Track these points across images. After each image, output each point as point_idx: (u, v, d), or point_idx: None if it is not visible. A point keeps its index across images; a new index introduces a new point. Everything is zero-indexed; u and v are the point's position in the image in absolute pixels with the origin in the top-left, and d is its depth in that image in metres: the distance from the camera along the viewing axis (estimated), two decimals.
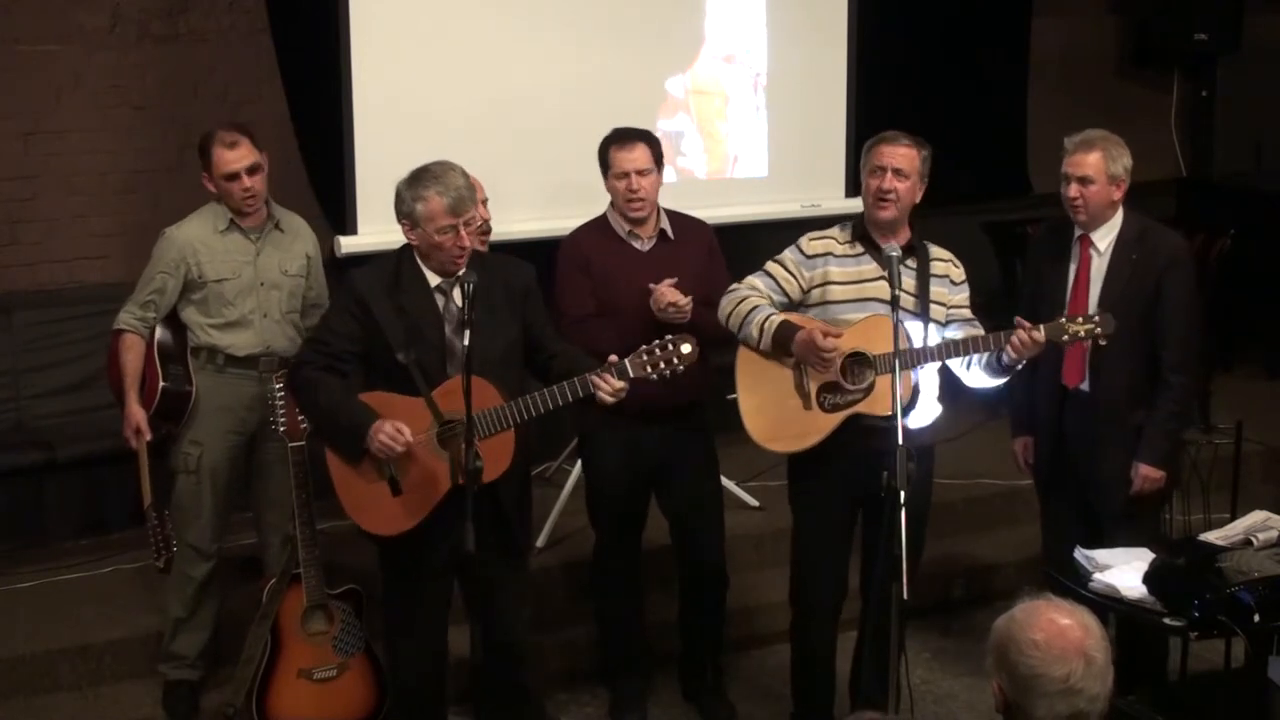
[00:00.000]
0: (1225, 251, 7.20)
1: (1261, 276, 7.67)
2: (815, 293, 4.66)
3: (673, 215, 5.08)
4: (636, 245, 4.99)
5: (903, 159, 4.60)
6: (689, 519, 5.10)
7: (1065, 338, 4.52)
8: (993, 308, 4.92)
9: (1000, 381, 4.65)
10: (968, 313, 4.72)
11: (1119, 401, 4.89)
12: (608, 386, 4.21)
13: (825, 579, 4.79)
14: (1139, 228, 4.93)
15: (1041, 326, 4.49)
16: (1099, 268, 4.91)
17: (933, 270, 4.66)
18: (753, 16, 6.89)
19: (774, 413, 4.62)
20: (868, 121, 7.03)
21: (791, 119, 6.96)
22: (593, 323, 4.91)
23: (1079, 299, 4.91)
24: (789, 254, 4.70)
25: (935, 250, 4.73)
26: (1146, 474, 4.87)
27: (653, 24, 6.68)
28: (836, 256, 4.66)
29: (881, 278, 4.56)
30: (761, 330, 4.57)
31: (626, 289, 4.88)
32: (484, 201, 4.99)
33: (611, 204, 5.03)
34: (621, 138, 4.99)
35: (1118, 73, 8.90)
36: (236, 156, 4.91)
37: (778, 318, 4.57)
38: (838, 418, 4.56)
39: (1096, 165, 4.82)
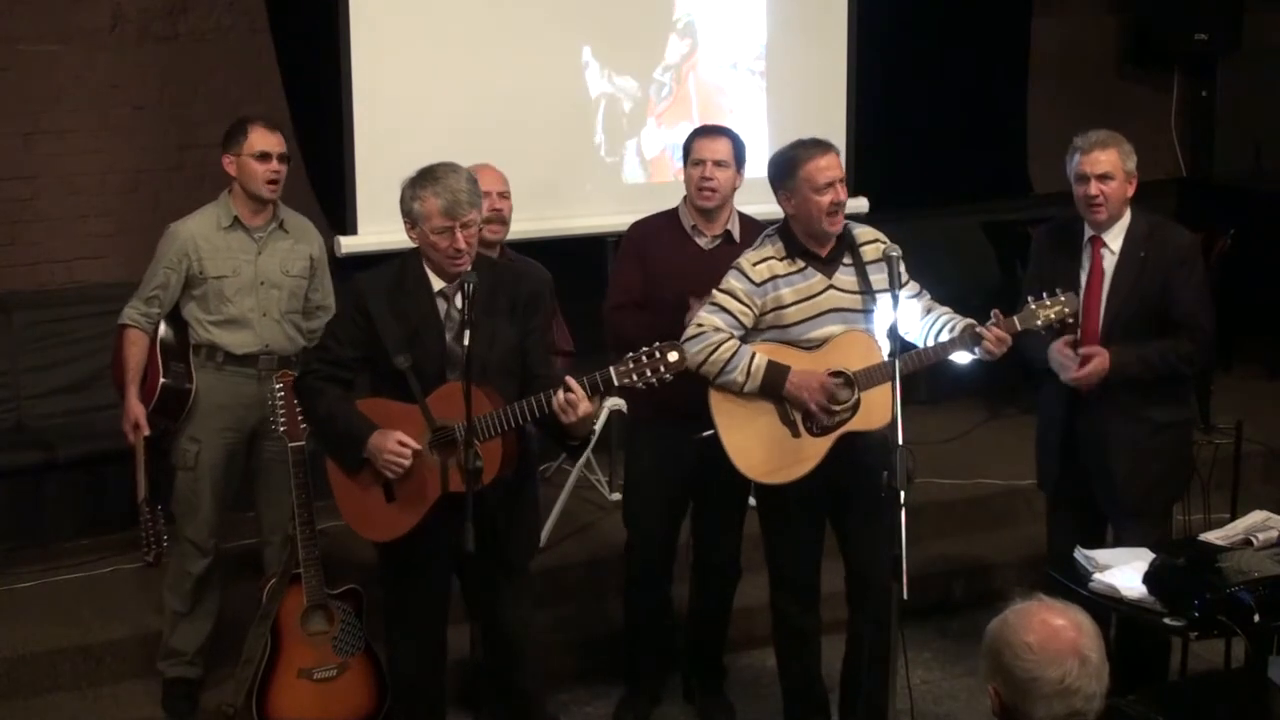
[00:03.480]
0: (1225, 251, 7.20)
1: (1261, 277, 7.67)
2: (768, 318, 4.59)
3: (745, 220, 5.08)
4: (699, 241, 5.00)
5: (840, 166, 4.58)
6: (713, 510, 5.14)
7: (1039, 323, 4.56)
8: (992, 309, 4.91)
9: (971, 359, 4.65)
10: (913, 286, 4.71)
11: (1131, 401, 4.88)
12: (559, 399, 4.11)
13: (803, 571, 4.79)
14: (1148, 225, 4.93)
15: (1015, 318, 4.53)
16: (1110, 267, 4.91)
17: (866, 257, 4.63)
18: (753, 16, 6.89)
19: (765, 446, 4.56)
20: (868, 121, 7.05)
21: (791, 119, 6.94)
22: (627, 311, 4.93)
23: (1092, 300, 4.90)
24: (737, 284, 4.59)
25: (860, 233, 4.67)
26: (1093, 355, 4.73)
27: (653, 23, 6.69)
28: (782, 277, 4.59)
29: (831, 288, 4.56)
30: (748, 375, 4.51)
31: (677, 283, 4.87)
32: (502, 194, 5.00)
33: (685, 197, 5.06)
34: (707, 129, 5.10)
35: (1118, 73, 8.90)
36: (275, 139, 4.99)
37: (763, 360, 4.52)
38: (830, 439, 4.54)
39: (1114, 162, 4.83)
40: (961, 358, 4.66)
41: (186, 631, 5.11)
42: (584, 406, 4.13)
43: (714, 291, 4.63)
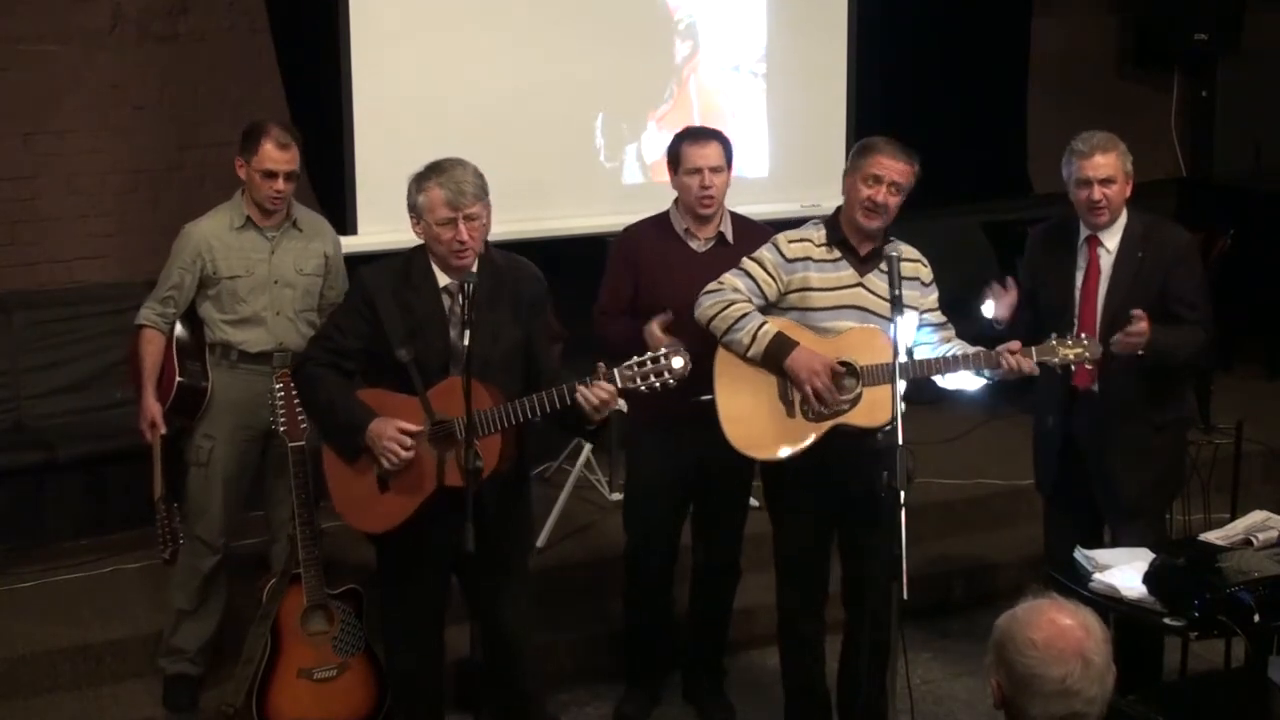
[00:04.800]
0: (1225, 251, 7.20)
1: (1261, 277, 7.68)
2: (793, 297, 4.62)
3: (737, 219, 5.07)
4: (693, 245, 4.98)
5: (901, 174, 4.57)
6: (713, 510, 5.14)
7: (1055, 360, 4.52)
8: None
9: (980, 384, 4.65)
10: (939, 315, 4.72)
11: (1129, 401, 4.88)
12: (590, 394, 4.13)
13: (810, 573, 4.78)
14: (1143, 225, 4.93)
15: (1033, 350, 4.50)
16: (1107, 267, 4.91)
17: (903, 273, 4.60)
18: (753, 16, 6.89)
19: (756, 419, 4.57)
20: (868, 121, 7.04)
21: (791, 119, 6.96)
22: (614, 319, 4.93)
23: (1089, 300, 4.90)
24: (768, 255, 4.64)
25: (903, 250, 4.66)
26: (1143, 327, 4.64)
27: (653, 23, 6.69)
28: (815, 261, 4.62)
29: (858, 284, 4.58)
30: (754, 339, 4.53)
31: (673, 288, 4.85)
32: None
33: (675, 201, 5.03)
34: (695, 135, 5.03)
35: (1118, 73, 8.90)
36: (284, 158, 4.95)
37: (772, 329, 4.53)
38: (823, 427, 4.54)
39: (1115, 165, 4.82)
40: (972, 383, 4.64)
41: (190, 630, 5.12)
42: (606, 395, 4.16)
43: (744, 259, 4.67)
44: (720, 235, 5.01)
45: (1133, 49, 8.85)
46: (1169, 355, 4.77)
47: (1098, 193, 4.83)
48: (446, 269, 4.32)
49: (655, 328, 4.69)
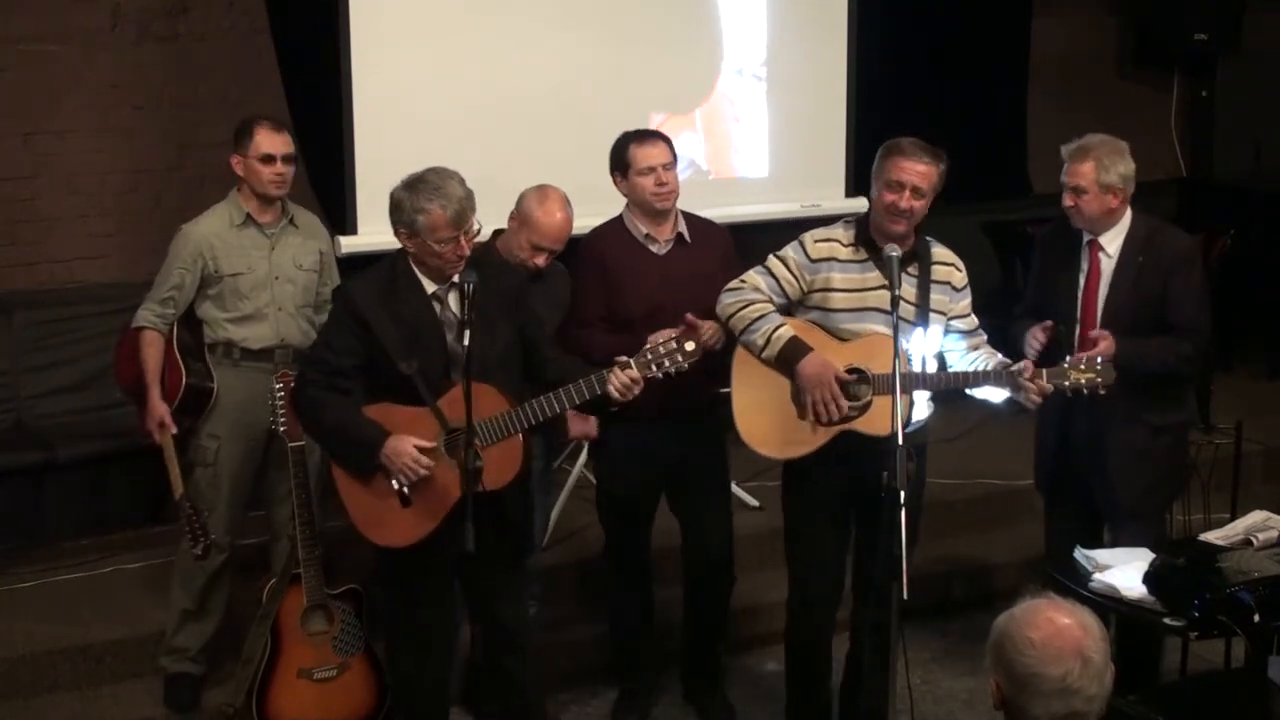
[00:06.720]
0: (1225, 251, 7.20)
1: (1261, 277, 7.68)
2: (815, 297, 4.61)
3: (690, 219, 5.05)
4: (653, 249, 4.96)
5: (922, 177, 4.49)
6: (697, 513, 5.12)
7: (1066, 384, 4.48)
8: (992, 308, 4.93)
9: (1004, 396, 4.60)
10: (970, 321, 4.69)
11: (1129, 403, 4.87)
12: (618, 381, 4.18)
13: (822, 576, 4.78)
14: (1147, 229, 4.91)
15: (1044, 372, 4.47)
16: (1108, 271, 4.90)
17: (934, 276, 4.61)
18: (753, 16, 6.89)
19: (768, 417, 4.59)
20: (868, 121, 7.04)
21: (791, 119, 6.95)
22: (595, 330, 4.89)
23: (1089, 304, 4.90)
24: (793, 254, 4.63)
25: (938, 252, 4.66)
26: (1103, 340, 4.65)
27: (653, 23, 6.68)
28: (840, 262, 4.59)
29: (884, 287, 4.51)
30: (768, 341, 4.53)
31: (638, 292, 4.86)
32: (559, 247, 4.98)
33: (628, 206, 5.00)
34: (641, 136, 5.00)
35: (1118, 73, 8.90)
36: (280, 140, 5.01)
37: (786, 332, 4.53)
38: (831, 431, 4.53)
39: (1088, 175, 4.80)
40: (996, 394, 4.61)
41: (192, 629, 5.12)
42: (633, 379, 4.22)
43: (770, 256, 4.66)
44: (679, 236, 4.99)
45: (1133, 49, 8.85)
46: (1136, 367, 4.71)
47: (1069, 199, 4.84)
48: (434, 276, 4.30)
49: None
